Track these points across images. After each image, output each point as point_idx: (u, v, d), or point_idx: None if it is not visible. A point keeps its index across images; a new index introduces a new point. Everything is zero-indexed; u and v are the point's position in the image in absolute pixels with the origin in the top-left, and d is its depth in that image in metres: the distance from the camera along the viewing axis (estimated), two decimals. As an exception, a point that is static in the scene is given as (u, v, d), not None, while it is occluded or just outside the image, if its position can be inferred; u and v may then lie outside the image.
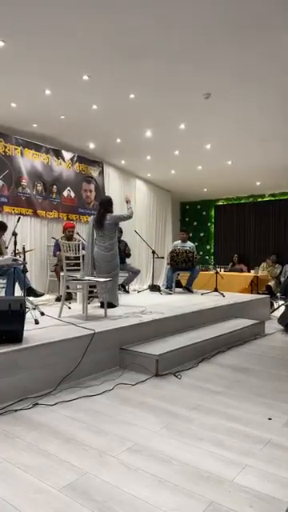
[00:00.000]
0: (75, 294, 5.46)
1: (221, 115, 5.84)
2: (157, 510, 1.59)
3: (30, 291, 4.90)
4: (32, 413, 2.52)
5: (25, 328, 3.02)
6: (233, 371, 3.51)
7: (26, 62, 4.40)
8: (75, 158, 7.28)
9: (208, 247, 11.31)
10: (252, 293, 7.59)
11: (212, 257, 10.98)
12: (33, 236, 6.53)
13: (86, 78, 4.72)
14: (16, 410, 2.54)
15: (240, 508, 1.61)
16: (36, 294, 5.01)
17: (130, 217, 4.96)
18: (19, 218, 5.18)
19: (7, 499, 1.65)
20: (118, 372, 3.39)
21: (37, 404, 2.65)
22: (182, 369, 3.51)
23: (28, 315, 3.44)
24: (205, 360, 3.84)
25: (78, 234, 6.29)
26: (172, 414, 2.54)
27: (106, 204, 4.90)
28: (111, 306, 4.71)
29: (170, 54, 4.25)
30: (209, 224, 11.37)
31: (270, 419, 2.49)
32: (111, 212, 4.89)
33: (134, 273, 6.92)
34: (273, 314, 6.52)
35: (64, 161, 7.07)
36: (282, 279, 8.66)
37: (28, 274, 4.99)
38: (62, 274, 4.47)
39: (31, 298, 4.53)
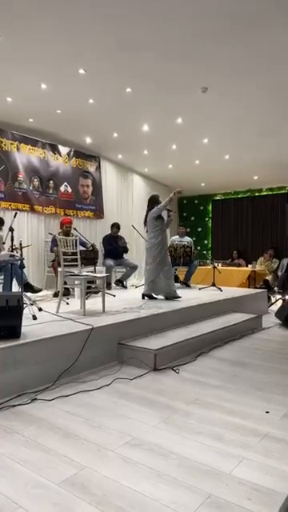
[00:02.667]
0: (73, 289, 5.46)
1: (218, 109, 5.81)
2: (155, 503, 1.60)
3: (28, 287, 4.90)
4: (30, 408, 2.53)
5: (23, 324, 3.02)
6: (230, 365, 3.53)
7: (21, 55, 4.36)
8: (72, 153, 7.24)
9: (206, 242, 11.31)
10: (249, 287, 7.60)
11: (210, 252, 10.98)
12: (30, 231, 6.50)
13: (82, 71, 4.68)
14: (14, 406, 2.54)
15: (238, 500, 1.62)
16: (34, 290, 5.01)
17: (163, 206, 5.11)
18: (16, 213, 5.16)
19: (6, 494, 1.65)
20: (117, 367, 3.40)
21: (35, 399, 2.65)
22: (180, 363, 3.52)
23: (26, 311, 3.43)
24: (203, 354, 3.85)
25: (75, 229, 6.27)
26: (170, 408, 2.55)
27: (149, 202, 5.28)
28: (171, 297, 5.01)
29: (167, 48, 4.22)
30: (206, 219, 11.36)
31: (267, 412, 2.50)
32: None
33: (132, 268, 6.92)
34: (270, 308, 6.54)
35: (61, 155, 7.03)
36: (280, 273, 8.67)
37: (25, 270, 4.98)
38: (59, 269, 4.46)
39: (29, 294, 4.53)
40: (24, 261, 4.58)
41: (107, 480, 1.76)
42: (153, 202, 5.22)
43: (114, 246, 6.90)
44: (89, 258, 5.85)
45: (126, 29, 3.89)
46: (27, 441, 2.11)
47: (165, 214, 5.33)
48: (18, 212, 5.76)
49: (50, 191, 6.83)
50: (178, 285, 7.01)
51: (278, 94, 5.23)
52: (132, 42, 4.11)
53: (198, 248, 10.85)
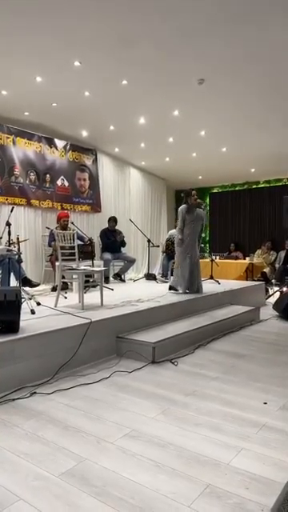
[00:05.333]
0: (71, 283, 5.46)
1: (215, 101, 5.77)
2: (155, 494, 1.62)
3: (26, 281, 4.89)
4: (30, 401, 2.54)
5: (21, 318, 3.02)
6: (228, 357, 3.55)
7: (16, 48, 4.30)
8: (68, 146, 7.20)
9: (203, 235, 11.29)
10: (247, 280, 7.62)
11: (207, 245, 10.99)
12: (27, 226, 6.47)
13: (77, 63, 4.63)
14: (14, 399, 2.55)
15: (236, 490, 1.64)
16: (31, 284, 5.00)
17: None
18: (13, 207, 5.13)
19: (7, 486, 1.67)
20: (115, 360, 3.41)
21: (34, 393, 2.66)
22: (179, 356, 3.54)
23: (24, 305, 3.44)
24: (201, 347, 3.87)
25: (72, 223, 6.26)
26: (169, 400, 2.57)
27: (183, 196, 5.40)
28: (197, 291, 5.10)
29: (164, 40, 4.17)
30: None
31: (265, 403, 2.53)
32: (186, 203, 5.23)
33: (130, 262, 6.92)
34: (268, 300, 6.57)
35: (57, 149, 6.98)
36: (277, 266, 8.70)
37: (23, 264, 4.97)
38: (57, 263, 4.46)
39: (27, 288, 4.53)
40: (21, 255, 4.57)
41: (107, 471, 1.77)
42: (184, 195, 5.35)
43: (112, 240, 6.89)
44: (86, 251, 5.84)
45: (122, 20, 3.84)
46: (27, 434, 2.12)
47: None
48: (15, 206, 5.73)
49: (47, 185, 6.80)
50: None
51: (276, 86, 5.19)
52: (128, 33, 4.05)
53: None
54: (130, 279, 7.33)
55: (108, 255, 6.67)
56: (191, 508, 1.53)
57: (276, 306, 5.60)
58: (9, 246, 4.44)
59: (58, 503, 1.56)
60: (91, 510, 1.53)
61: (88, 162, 7.64)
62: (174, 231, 7.25)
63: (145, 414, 2.37)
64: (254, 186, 10.47)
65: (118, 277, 6.85)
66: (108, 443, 2.02)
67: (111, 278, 6.74)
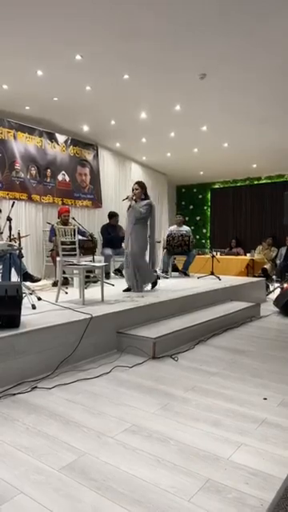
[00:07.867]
0: (72, 279, 5.46)
1: (217, 96, 5.74)
2: (155, 488, 1.63)
3: (27, 276, 4.89)
4: (30, 396, 2.55)
5: (22, 313, 3.03)
6: (229, 353, 3.56)
7: (16, 42, 4.27)
8: (69, 141, 7.17)
9: (204, 231, 11.30)
10: (248, 276, 7.62)
11: (208, 240, 10.98)
12: (28, 221, 6.47)
13: (78, 57, 4.60)
14: (14, 394, 2.56)
15: (236, 485, 1.65)
16: (32, 280, 5.01)
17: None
18: (13, 202, 5.12)
19: (7, 480, 1.67)
20: (116, 355, 3.42)
21: (35, 387, 2.67)
22: (179, 351, 3.54)
23: (25, 300, 3.44)
24: (201, 342, 3.88)
25: (73, 218, 6.25)
26: (169, 396, 2.58)
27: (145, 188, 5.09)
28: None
29: (166, 34, 4.14)
30: (205, 207, 11.33)
31: (265, 399, 2.53)
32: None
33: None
34: (268, 296, 6.57)
35: (58, 144, 6.96)
36: (278, 262, 8.69)
37: (24, 260, 4.97)
38: (58, 259, 4.46)
39: (28, 284, 4.53)
40: (22, 250, 4.57)
41: (107, 466, 1.78)
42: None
43: (113, 236, 6.88)
44: (87, 247, 5.84)
45: (124, 14, 3.81)
46: (28, 428, 2.13)
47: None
48: (16, 201, 5.72)
49: (48, 180, 6.78)
50: (177, 274, 7.03)
51: (277, 81, 5.16)
52: (130, 27, 4.03)
53: (197, 237, 10.83)
54: (131, 275, 7.31)
55: (109, 251, 6.67)
56: (191, 502, 1.54)
57: (276, 302, 5.60)
58: (10, 241, 4.44)
59: (58, 497, 1.57)
60: (91, 503, 1.54)
61: (89, 156, 7.61)
62: (173, 227, 7.25)
63: (145, 409, 2.38)
64: (256, 182, 10.44)
65: (119, 272, 6.84)
66: (108, 438, 2.03)
67: (112, 274, 6.74)
